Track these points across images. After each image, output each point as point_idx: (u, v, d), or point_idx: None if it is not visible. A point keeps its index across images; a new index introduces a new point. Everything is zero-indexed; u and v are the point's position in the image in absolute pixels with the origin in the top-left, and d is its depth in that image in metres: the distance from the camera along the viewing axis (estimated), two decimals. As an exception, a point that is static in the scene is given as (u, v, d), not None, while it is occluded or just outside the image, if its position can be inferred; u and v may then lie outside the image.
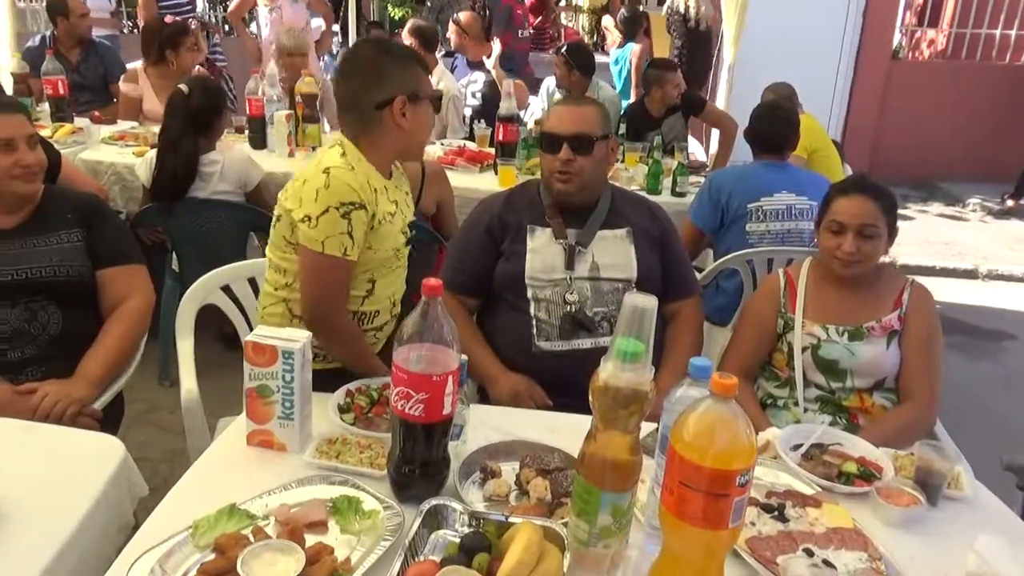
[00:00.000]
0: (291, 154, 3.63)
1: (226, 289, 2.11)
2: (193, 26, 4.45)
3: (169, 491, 1.27)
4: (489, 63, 4.69)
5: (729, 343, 2.07)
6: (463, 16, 4.97)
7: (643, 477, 1.13)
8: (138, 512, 1.39)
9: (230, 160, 2.83)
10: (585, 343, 1.88)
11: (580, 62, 4.28)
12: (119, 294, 1.91)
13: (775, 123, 2.95)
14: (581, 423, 1.54)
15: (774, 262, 2.65)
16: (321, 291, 1.69)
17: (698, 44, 6.17)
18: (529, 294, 1.93)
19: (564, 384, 1.85)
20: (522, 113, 4.43)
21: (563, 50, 4.40)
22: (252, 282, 2.13)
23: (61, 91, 3.93)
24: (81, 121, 3.93)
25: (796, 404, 1.91)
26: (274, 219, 1.78)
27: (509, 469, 1.38)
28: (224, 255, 2.89)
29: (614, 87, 5.70)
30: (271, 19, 5.53)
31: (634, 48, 5.76)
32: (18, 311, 1.78)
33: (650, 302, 1.04)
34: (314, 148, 3.71)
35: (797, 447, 1.51)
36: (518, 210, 2.01)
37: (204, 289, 2.06)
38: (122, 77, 4.39)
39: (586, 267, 1.93)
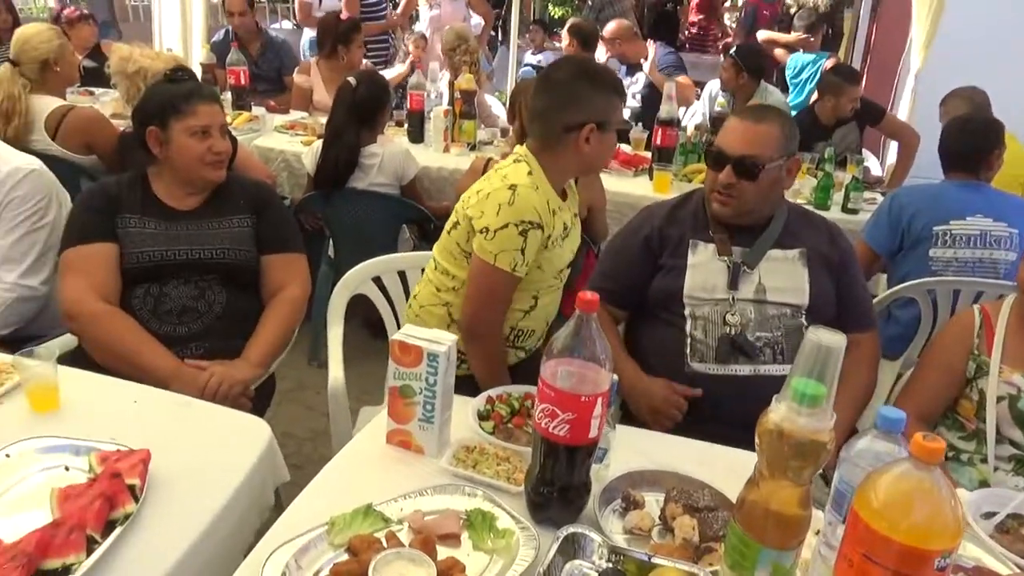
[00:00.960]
0: (446, 149, 3.68)
1: (377, 280, 2.14)
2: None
3: (309, 483, 1.27)
4: (646, 66, 4.55)
5: (908, 381, 1.86)
6: (611, 27, 4.83)
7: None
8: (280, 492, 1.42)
9: (389, 153, 2.89)
10: (743, 369, 1.74)
11: (751, 64, 4.06)
12: (279, 280, 1.98)
13: (969, 135, 2.63)
14: (734, 458, 1.43)
15: (961, 294, 2.37)
16: (484, 301, 1.75)
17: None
18: (686, 311, 1.81)
19: (716, 410, 1.73)
20: (682, 112, 4.25)
21: (733, 51, 4.19)
22: (401, 276, 2.14)
23: (243, 81, 4.19)
24: (257, 110, 4.18)
25: (984, 461, 1.68)
26: (449, 224, 1.84)
27: (653, 501, 1.28)
28: (376, 245, 2.96)
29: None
30: (431, 17, 5.68)
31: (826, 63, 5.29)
32: (189, 288, 1.88)
33: (837, 341, 0.91)
34: (470, 145, 3.74)
35: (990, 515, 1.31)
36: (681, 222, 1.90)
37: (357, 279, 2.10)
38: (296, 68, 4.64)
39: (751, 288, 1.78)
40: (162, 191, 1.95)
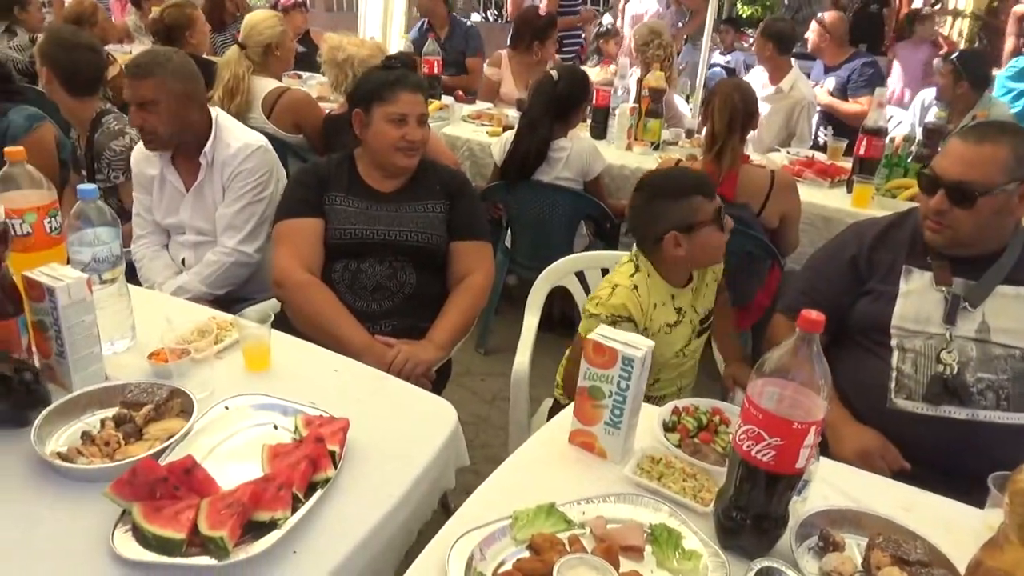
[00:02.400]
0: (629, 147, 3.62)
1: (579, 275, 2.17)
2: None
3: (491, 474, 1.27)
4: (824, 84, 4.25)
5: None
6: (828, 16, 4.55)
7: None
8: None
9: (577, 148, 2.88)
10: (959, 414, 1.56)
11: (974, 72, 3.67)
12: (466, 267, 2.02)
13: None
14: (948, 510, 1.29)
15: None
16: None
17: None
18: (893, 342, 1.65)
19: (922, 454, 1.56)
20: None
21: (954, 56, 3.81)
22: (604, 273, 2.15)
23: (436, 70, 4.36)
24: (447, 99, 4.33)
25: None
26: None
27: (853, 544, 1.17)
28: (554, 238, 2.98)
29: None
30: (633, 15, 5.62)
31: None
32: (383, 267, 1.96)
33: None
34: (654, 145, 3.66)
35: None
36: (894, 245, 1.73)
37: (559, 272, 2.13)
38: (487, 61, 4.75)
39: (972, 326, 1.60)
40: (365, 172, 2.04)
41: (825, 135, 4.41)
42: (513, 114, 4.04)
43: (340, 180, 2.01)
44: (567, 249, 3.02)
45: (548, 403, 2.08)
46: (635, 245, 1.82)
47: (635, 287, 1.74)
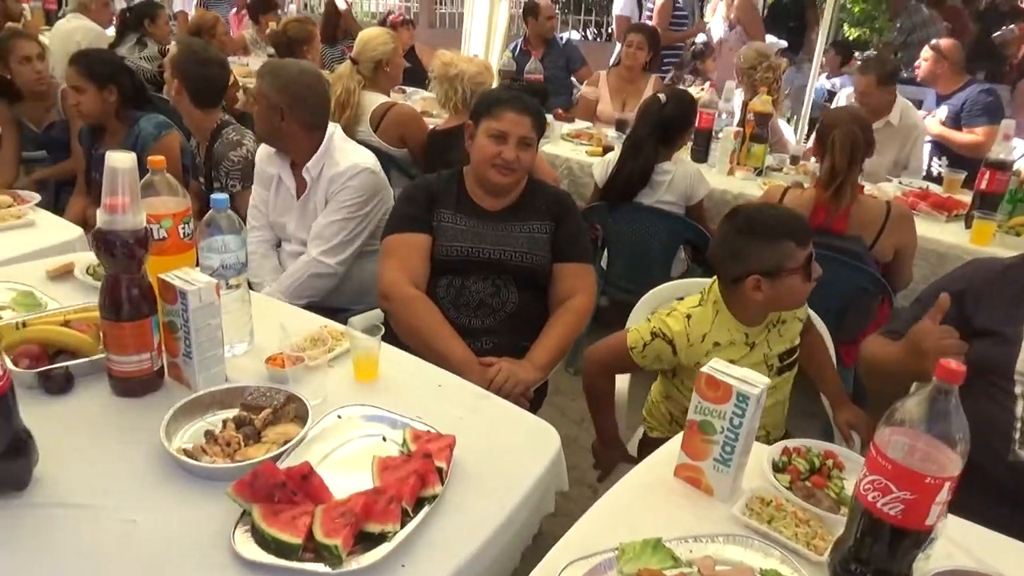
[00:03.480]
0: (731, 172, 3.55)
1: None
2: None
3: (597, 501, 1.26)
4: (936, 114, 4.05)
5: None
6: (944, 42, 4.34)
7: None
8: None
9: (681, 172, 2.84)
10: (1099, 471, 1.45)
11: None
12: (568, 288, 2.02)
13: None
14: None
15: None
16: (604, 350, 1.85)
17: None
18: (1017, 389, 1.55)
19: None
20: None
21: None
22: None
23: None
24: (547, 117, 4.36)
25: None
26: None
27: (980, 609, 1.10)
28: (653, 262, 2.95)
29: None
30: (727, 34, 5.53)
31: None
32: (486, 285, 1.99)
33: None
34: (757, 170, 3.58)
35: None
36: (1016, 285, 1.63)
37: (660, 298, 2.10)
38: (585, 81, 4.77)
39: (1113, 375, 1.48)
40: (472, 189, 2.07)
41: (940, 166, 4.21)
42: (612, 134, 4.04)
43: (449, 197, 2.05)
44: (665, 273, 2.98)
45: (640, 432, 2.05)
46: (711, 256, 1.77)
47: (688, 316, 1.73)
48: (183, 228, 1.55)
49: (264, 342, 1.64)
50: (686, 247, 3.09)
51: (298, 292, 2.23)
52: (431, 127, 3.36)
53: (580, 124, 4.37)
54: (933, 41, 4.39)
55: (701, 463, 1.29)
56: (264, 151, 2.36)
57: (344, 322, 1.69)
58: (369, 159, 2.26)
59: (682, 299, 1.85)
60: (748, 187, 3.39)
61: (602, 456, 1.97)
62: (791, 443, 1.43)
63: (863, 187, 2.75)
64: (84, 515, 1.13)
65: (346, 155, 2.23)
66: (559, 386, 3.16)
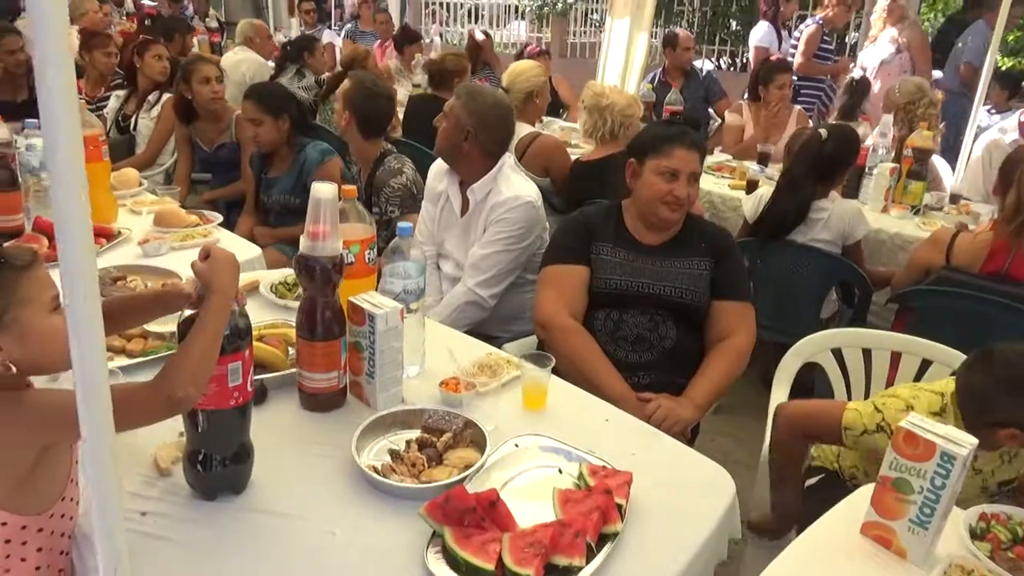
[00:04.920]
0: (885, 210, 3.39)
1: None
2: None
3: (781, 552, 1.22)
4: None
5: None
6: None
7: None
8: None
9: (839, 210, 2.74)
10: None
11: None
12: (726, 327, 1.98)
13: None
14: None
15: None
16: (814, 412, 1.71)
17: None
18: None
19: None
20: None
21: None
22: (866, 354, 2.02)
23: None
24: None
25: None
26: None
27: None
28: (801, 302, 2.85)
29: None
30: (882, 63, 5.32)
31: None
32: (644, 319, 1.98)
33: None
34: (914, 209, 3.40)
35: None
36: None
37: (815, 346, 2.03)
38: (727, 109, 4.70)
39: None
40: (631, 224, 2.08)
41: None
42: (754, 167, 3.94)
43: (607, 230, 2.06)
44: (815, 314, 2.87)
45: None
46: (952, 390, 1.54)
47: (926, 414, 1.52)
48: (368, 254, 1.63)
49: (432, 365, 1.70)
50: (838, 288, 2.96)
51: (452, 320, 2.29)
52: (575, 158, 3.40)
53: (720, 156, 4.30)
54: None
55: (894, 523, 1.23)
56: (438, 168, 2.46)
57: (499, 347, 1.73)
58: (531, 192, 2.30)
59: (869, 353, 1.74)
60: (906, 227, 3.23)
61: (767, 531, 1.83)
62: (989, 508, 1.33)
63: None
64: (289, 524, 1.21)
65: (510, 185, 2.29)
66: (699, 425, 3.10)
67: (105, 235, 2.30)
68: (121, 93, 4.03)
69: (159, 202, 2.70)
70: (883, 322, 3.14)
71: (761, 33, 5.75)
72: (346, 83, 2.78)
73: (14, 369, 1.04)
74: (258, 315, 1.87)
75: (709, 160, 4.09)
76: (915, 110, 3.86)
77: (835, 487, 1.73)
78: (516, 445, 1.38)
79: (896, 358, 2.04)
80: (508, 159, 2.38)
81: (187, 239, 2.34)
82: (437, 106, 3.87)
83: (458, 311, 2.28)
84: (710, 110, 5.40)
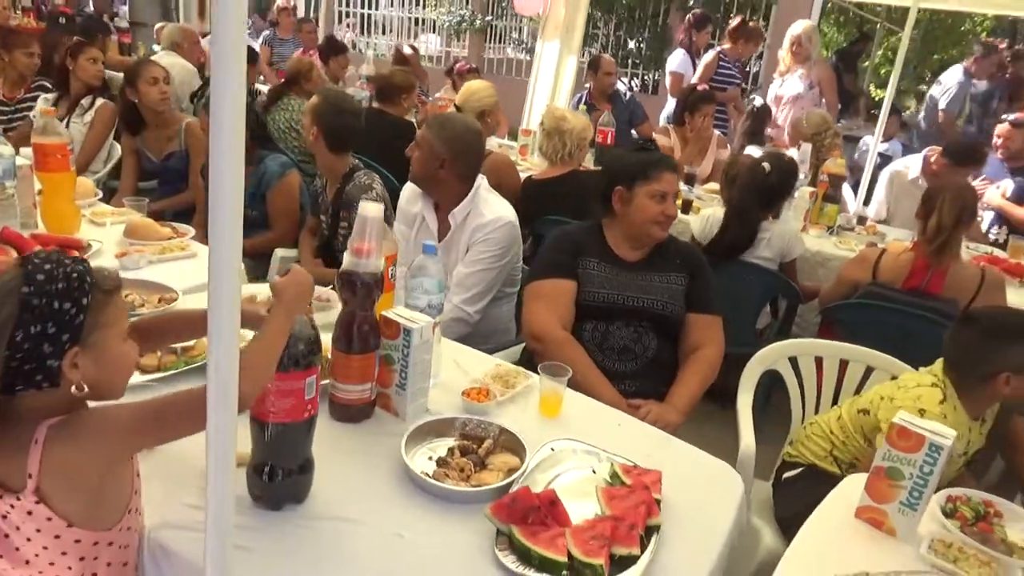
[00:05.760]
0: (804, 229, 3.71)
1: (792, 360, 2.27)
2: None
3: (792, 541, 1.39)
4: None
5: None
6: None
7: None
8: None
9: (779, 231, 3.00)
10: None
11: None
12: (699, 338, 2.16)
13: None
14: None
15: None
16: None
17: None
18: None
19: None
20: None
21: None
22: (818, 362, 2.25)
23: (609, 140, 4.61)
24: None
25: None
26: (863, 403, 1.97)
27: None
28: (741, 315, 3.09)
29: None
30: (781, 94, 5.75)
31: None
32: (629, 331, 2.13)
33: None
34: (829, 229, 3.75)
35: None
36: None
37: (774, 354, 2.23)
38: (655, 131, 4.98)
39: None
40: (612, 241, 2.23)
41: (997, 234, 4.36)
42: (684, 187, 4.21)
43: (593, 247, 2.21)
44: (752, 324, 3.13)
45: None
46: (941, 368, 1.84)
47: (945, 416, 1.74)
48: (392, 270, 1.70)
49: (444, 377, 1.78)
50: (773, 302, 3.24)
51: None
52: (527, 175, 3.54)
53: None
54: (1015, 117, 4.49)
55: (886, 506, 1.42)
56: (411, 191, 2.52)
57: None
58: (511, 213, 2.42)
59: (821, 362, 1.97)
60: (824, 245, 3.55)
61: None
62: (953, 491, 1.55)
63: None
64: (355, 529, 1.26)
65: (491, 207, 2.40)
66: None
67: (76, 247, 2.24)
68: (50, 96, 3.85)
69: (119, 213, 2.63)
70: (804, 332, 3.45)
71: (678, 60, 6.10)
72: (315, 98, 2.81)
73: (86, 389, 1.06)
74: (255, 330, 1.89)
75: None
76: (822, 140, 4.27)
77: (812, 480, 1.93)
78: (552, 449, 1.49)
79: (843, 365, 2.28)
80: (482, 181, 2.48)
81: (165, 252, 2.30)
82: (386, 121, 3.99)
83: (445, 327, 2.35)
84: (633, 132, 5.68)
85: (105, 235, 2.43)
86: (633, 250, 2.22)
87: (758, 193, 2.95)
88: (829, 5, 9.38)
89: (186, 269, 2.28)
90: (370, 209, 1.48)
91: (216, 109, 0.84)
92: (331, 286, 1.82)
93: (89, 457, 1.08)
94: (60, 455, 1.04)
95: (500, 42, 10.76)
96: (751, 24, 6.06)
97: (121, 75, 5.16)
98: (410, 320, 1.55)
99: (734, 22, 5.95)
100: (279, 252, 3.02)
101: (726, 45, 5.83)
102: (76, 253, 2.18)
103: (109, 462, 1.10)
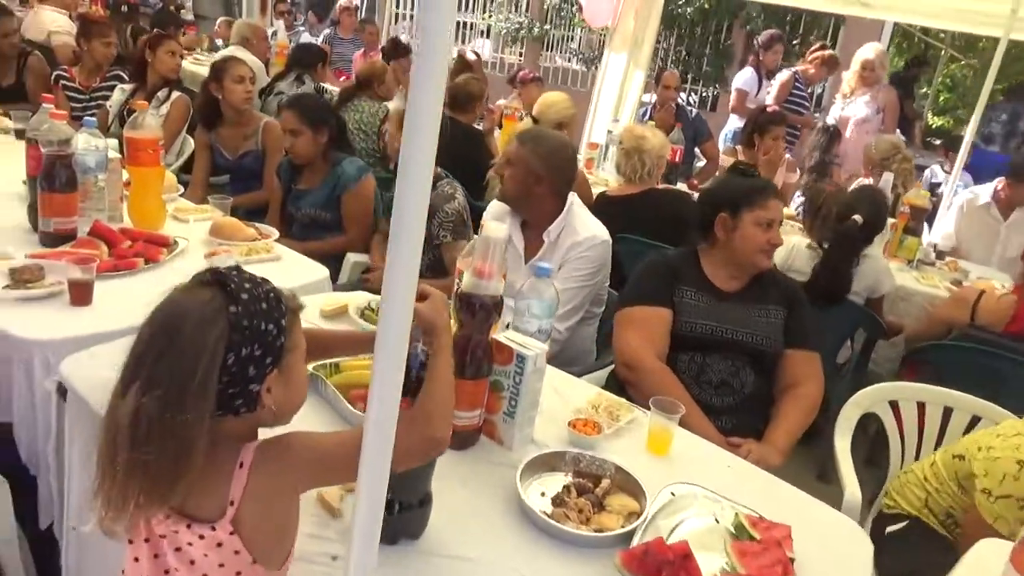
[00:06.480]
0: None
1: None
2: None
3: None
4: None
5: None
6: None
7: None
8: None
9: (871, 266, 2.88)
10: None
11: None
12: (797, 375, 2.07)
13: None
14: None
15: None
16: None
17: None
18: None
19: None
20: None
21: None
22: (920, 407, 2.14)
23: (677, 159, 4.52)
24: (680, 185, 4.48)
25: None
26: (960, 449, 1.88)
27: None
28: (825, 347, 2.98)
29: None
30: (857, 119, 5.61)
31: None
32: (726, 364, 2.04)
33: None
34: (910, 262, 3.62)
35: None
36: None
37: (870, 398, 2.13)
38: (723, 152, 4.89)
39: None
40: (709, 270, 2.15)
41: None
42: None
43: (689, 275, 2.13)
44: (834, 358, 3.02)
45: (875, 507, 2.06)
46: None
47: None
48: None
49: (545, 404, 1.71)
50: (854, 336, 3.12)
51: None
52: (600, 191, 3.47)
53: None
54: None
55: (1034, 581, 1.32)
56: (496, 209, 2.47)
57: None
58: (604, 232, 2.35)
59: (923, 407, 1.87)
60: (906, 279, 3.42)
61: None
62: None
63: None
64: (475, 568, 1.20)
65: (585, 225, 2.33)
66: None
67: (163, 243, 2.22)
68: (127, 87, 3.87)
69: (202, 210, 2.60)
70: (878, 367, 3.33)
71: (745, 78, 6.00)
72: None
73: (277, 414, 1.00)
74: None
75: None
76: (889, 165, 4.14)
77: (920, 536, 1.83)
78: (672, 494, 1.41)
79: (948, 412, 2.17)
80: (575, 198, 2.41)
81: (251, 253, 2.27)
82: (459, 130, 3.94)
83: None
84: (696, 149, 5.59)
85: (189, 232, 2.41)
86: (731, 279, 2.14)
87: (851, 247, 2.81)
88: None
89: (271, 272, 2.21)
90: (495, 229, 1.41)
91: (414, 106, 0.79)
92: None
93: (286, 485, 1.01)
94: (264, 479, 0.98)
95: (552, 51, 10.72)
96: (831, 52, 5.94)
97: (194, 69, 5.24)
98: (524, 346, 1.49)
99: (816, 46, 5.83)
100: (351, 257, 2.98)
101: (802, 67, 5.71)
102: (164, 250, 2.17)
103: (296, 492, 1.04)
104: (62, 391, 1.51)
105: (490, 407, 1.53)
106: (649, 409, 1.88)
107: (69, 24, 4.99)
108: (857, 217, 2.77)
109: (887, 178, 3.84)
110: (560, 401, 1.74)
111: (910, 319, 3.24)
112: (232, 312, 0.94)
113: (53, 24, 5.13)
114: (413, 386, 1.13)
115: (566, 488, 1.39)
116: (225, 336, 0.92)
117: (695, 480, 1.47)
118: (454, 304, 1.46)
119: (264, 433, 1.05)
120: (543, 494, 1.39)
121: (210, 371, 0.91)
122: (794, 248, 2.99)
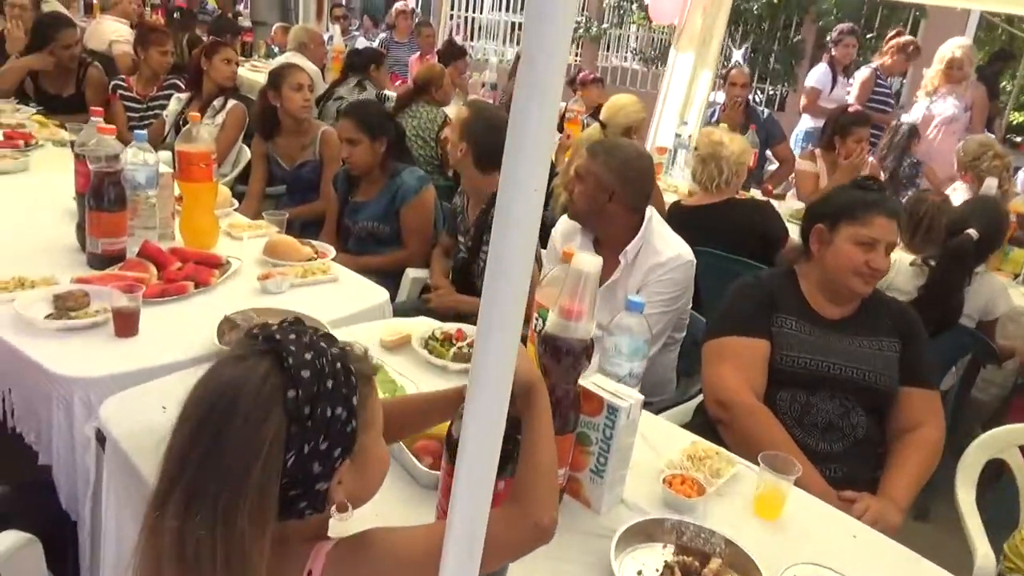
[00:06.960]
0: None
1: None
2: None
3: None
4: None
5: None
6: None
7: None
8: None
9: (985, 286, 2.60)
10: None
11: None
12: (916, 417, 1.82)
13: None
14: None
15: None
16: None
17: None
18: None
19: None
20: None
21: None
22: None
23: (752, 163, 4.25)
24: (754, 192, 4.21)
25: None
26: None
27: None
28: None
29: None
30: (945, 117, 5.24)
31: None
32: (835, 404, 1.80)
33: None
34: (1016, 276, 3.29)
35: None
36: None
37: (1001, 441, 1.86)
38: (799, 155, 4.59)
39: None
40: (809, 293, 1.91)
41: None
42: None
43: (788, 301, 1.89)
44: (938, 387, 2.73)
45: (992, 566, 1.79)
46: None
47: None
48: (536, 320, 1.44)
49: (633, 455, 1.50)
50: (961, 362, 2.83)
51: None
52: (673, 200, 3.24)
53: (796, 203, 4.18)
54: None
55: None
56: (565, 227, 2.28)
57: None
58: (687, 251, 2.14)
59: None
60: (1013, 296, 3.10)
61: None
62: None
63: None
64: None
65: (667, 243, 2.12)
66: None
67: (214, 264, 2.08)
68: (183, 96, 3.79)
69: (256, 226, 2.47)
70: (981, 394, 3.02)
71: (818, 75, 5.67)
72: (465, 112, 2.59)
73: (351, 509, 0.82)
74: (411, 374, 1.68)
75: (786, 207, 3.97)
76: (980, 165, 3.81)
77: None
78: (795, 576, 1.20)
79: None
80: (654, 213, 2.20)
81: (307, 274, 2.12)
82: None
83: None
84: (767, 152, 5.29)
85: (243, 250, 2.27)
86: (833, 305, 1.89)
87: (964, 266, 2.52)
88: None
89: (328, 296, 2.09)
90: (586, 263, 1.21)
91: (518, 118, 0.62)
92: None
93: None
94: None
95: (609, 50, 10.44)
96: (909, 37, 5.54)
97: (251, 76, 5.18)
98: (616, 395, 1.29)
99: (891, 33, 5.45)
100: (411, 273, 2.82)
101: (878, 61, 5.36)
102: (216, 272, 2.04)
103: None
104: (100, 438, 1.37)
105: (575, 464, 1.34)
106: (747, 456, 1.68)
107: (130, 33, 4.97)
108: (972, 231, 2.48)
109: (989, 184, 3.51)
110: (649, 450, 1.53)
111: (1020, 341, 2.92)
112: (291, 398, 0.76)
113: (114, 33, 5.14)
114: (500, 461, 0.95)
115: (668, 567, 1.19)
116: (283, 432, 0.75)
117: (815, 555, 1.26)
118: (538, 346, 1.27)
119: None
120: (640, 573, 1.19)
121: (267, 478, 0.74)
122: (896, 265, 2.71)
